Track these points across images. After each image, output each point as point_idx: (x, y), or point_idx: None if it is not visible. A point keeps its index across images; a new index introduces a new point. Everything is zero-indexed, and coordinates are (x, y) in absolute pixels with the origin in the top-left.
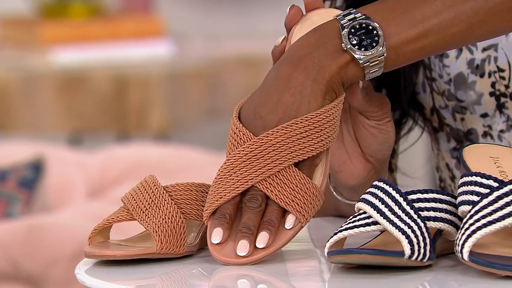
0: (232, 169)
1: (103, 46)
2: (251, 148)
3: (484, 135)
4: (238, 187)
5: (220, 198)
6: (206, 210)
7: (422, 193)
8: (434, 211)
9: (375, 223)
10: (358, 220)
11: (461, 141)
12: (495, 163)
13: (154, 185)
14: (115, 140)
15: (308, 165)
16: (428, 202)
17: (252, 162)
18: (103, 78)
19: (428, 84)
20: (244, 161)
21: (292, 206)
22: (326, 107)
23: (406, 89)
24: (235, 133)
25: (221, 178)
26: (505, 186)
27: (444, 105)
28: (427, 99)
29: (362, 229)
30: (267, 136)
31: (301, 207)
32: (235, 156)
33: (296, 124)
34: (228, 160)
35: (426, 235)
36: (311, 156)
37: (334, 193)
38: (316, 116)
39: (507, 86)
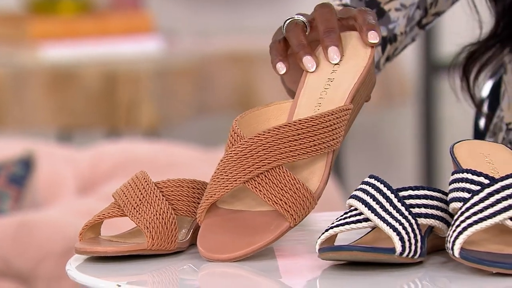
0: (223, 169)
1: (92, 42)
2: (241, 148)
3: None
4: (227, 186)
5: (211, 197)
6: (200, 207)
7: (413, 190)
8: (425, 207)
9: (366, 219)
10: (349, 216)
11: None
12: (486, 159)
13: (145, 181)
14: (105, 137)
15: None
16: (419, 198)
17: (242, 161)
18: (93, 74)
19: None
20: (234, 160)
21: (279, 205)
22: (322, 113)
23: None
24: (231, 134)
25: (214, 178)
26: (496, 183)
27: None
28: None
29: (353, 225)
30: (258, 137)
31: (289, 206)
32: (227, 156)
33: (289, 126)
34: (221, 160)
35: (417, 231)
36: (301, 159)
37: None
38: (311, 120)
39: None
